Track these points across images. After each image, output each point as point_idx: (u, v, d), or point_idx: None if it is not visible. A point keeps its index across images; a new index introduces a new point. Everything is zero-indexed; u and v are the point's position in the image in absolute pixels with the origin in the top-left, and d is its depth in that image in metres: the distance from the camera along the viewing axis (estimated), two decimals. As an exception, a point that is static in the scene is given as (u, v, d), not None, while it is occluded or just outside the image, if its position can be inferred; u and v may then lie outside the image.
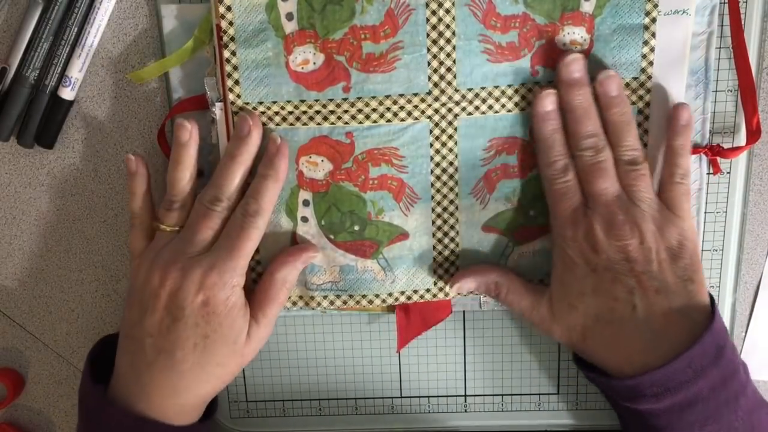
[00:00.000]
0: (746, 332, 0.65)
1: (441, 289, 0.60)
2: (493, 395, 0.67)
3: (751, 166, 0.61)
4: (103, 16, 0.57)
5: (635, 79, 0.55)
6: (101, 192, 0.62)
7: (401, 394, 0.67)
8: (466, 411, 0.68)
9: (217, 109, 0.55)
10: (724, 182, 0.61)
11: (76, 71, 0.58)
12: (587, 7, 0.54)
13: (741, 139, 0.59)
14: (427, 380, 0.67)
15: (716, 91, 0.58)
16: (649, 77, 0.55)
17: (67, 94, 0.58)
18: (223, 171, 0.55)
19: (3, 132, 0.59)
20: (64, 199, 0.62)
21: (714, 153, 0.59)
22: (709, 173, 0.60)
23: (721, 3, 0.56)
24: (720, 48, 0.57)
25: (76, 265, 0.64)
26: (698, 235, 0.61)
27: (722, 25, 0.57)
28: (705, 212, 0.61)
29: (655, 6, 0.54)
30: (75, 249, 0.64)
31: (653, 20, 0.54)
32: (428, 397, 0.67)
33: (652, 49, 0.55)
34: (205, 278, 0.53)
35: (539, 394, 0.67)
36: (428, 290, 0.60)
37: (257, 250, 0.58)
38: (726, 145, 0.59)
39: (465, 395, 0.67)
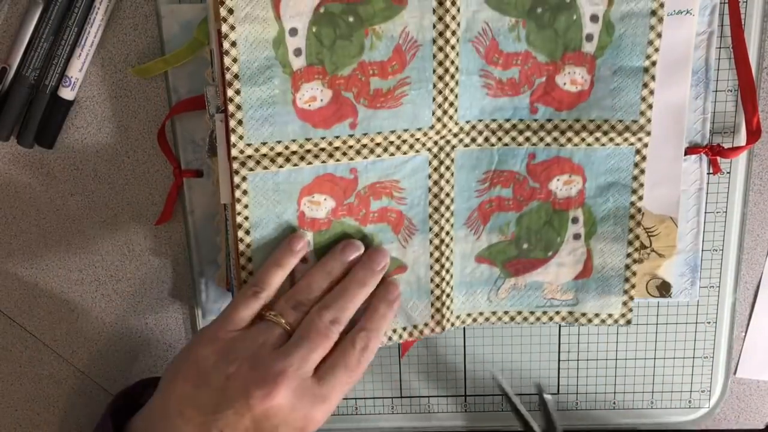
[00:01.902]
0: (746, 332, 0.65)
1: (438, 323, 0.59)
2: (493, 395, 0.67)
3: (751, 166, 0.61)
4: (103, 16, 0.57)
5: (635, 122, 0.55)
6: (101, 192, 0.62)
7: (401, 394, 0.67)
8: (466, 411, 0.68)
9: (218, 120, 0.54)
10: (724, 182, 0.61)
11: (76, 71, 0.58)
12: (589, 48, 0.54)
13: (741, 139, 0.59)
14: (427, 380, 0.67)
15: (716, 91, 0.58)
16: (649, 120, 0.55)
17: (67, 94, 0.58)
18: (348, 293, 0.53)
19: (3, 132, 0.59)
20: (64, 199, 0.62)
21: (714, 153, 0.59)
22: (709, 173, 0.60)
23: (721, 3, 0.56)
24: (720, 48, 0.57)
25: (76, 265, 0.64)
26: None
27: (722, 25, 0.57)
28: (705, 212, 0.61)
29: (656, 50, 0.54)
30: (75, 249, 0.64)
31: (653, 63, 0.54)
32: (428, 397, 0.67)
33: (652, 92, 0.55)
34: (315, 412, 0.49)
35: (539, 394, 0.67)
36: (426, 324, 0.59)
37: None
38: (726, 145, 0.59)
39: (465, 395, 0.67)
